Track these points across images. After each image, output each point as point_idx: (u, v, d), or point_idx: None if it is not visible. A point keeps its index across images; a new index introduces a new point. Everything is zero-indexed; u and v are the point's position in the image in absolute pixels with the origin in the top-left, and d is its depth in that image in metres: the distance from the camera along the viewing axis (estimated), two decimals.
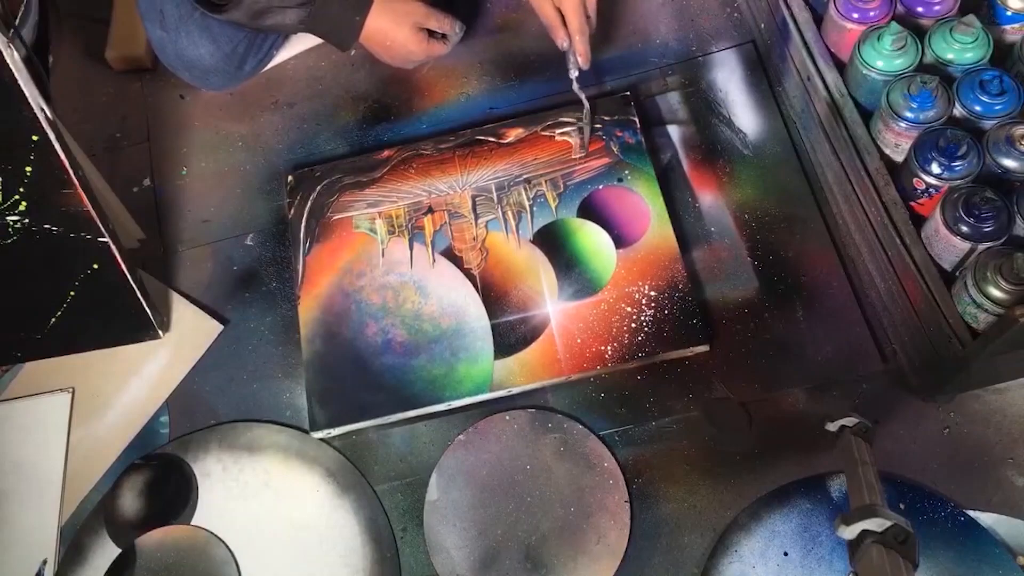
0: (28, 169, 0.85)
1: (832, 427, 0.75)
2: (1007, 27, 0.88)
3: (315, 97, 1.18)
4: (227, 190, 1.14)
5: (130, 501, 0.96)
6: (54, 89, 1.18)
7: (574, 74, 1.00)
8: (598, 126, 1.06)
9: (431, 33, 1.03)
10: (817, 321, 0.95)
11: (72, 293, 0.95)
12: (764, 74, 1.10)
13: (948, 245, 0.79)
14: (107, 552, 0.93)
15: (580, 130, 1.05)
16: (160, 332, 1.02)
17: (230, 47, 1.08)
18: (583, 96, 1.02)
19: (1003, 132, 0.80)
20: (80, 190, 0.87)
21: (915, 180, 0.82)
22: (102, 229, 0.90)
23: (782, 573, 0.84)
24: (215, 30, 1.05)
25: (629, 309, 0.95)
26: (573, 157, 1.05)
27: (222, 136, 1.18)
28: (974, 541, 0.83)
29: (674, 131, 1.08)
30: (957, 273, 0.80)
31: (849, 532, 0.62)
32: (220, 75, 1.12)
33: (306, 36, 1.13)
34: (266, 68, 1.19)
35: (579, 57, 0.99)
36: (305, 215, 1.07)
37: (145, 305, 0.98)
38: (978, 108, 0.83)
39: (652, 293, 0.96)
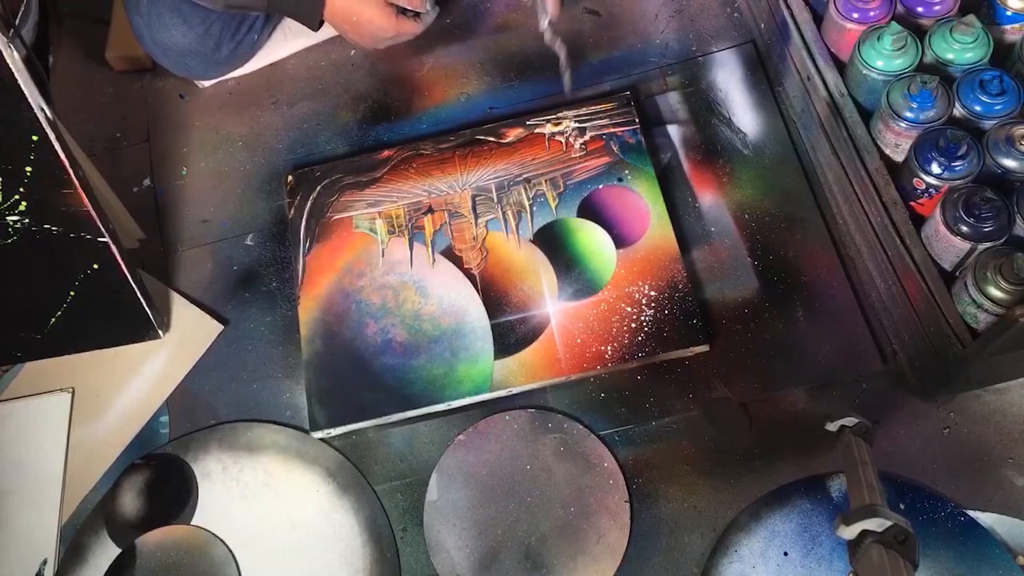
0: (28, 169, 0.85)
1: (832, 427, 0.75)
2: (1007, 27, 0.88)
3: (315, 97, 1.18)
4: (227, 190, 1.14)
5: (130, 501, 0.96)
6: (54, 89, 1.19)
7: (544, 24, 1.00)
8: (601, 126, 1.06)
9: (403, 11, 1.01)
10: (817, 321, 0.95)
11: (72, 293, 0.95)
12: (764, 74, 1.09)
13: (948, 245, 0.79)
14: (107, 552, 0.93)
15: (563, 81, 1.06)
16: (160, 332, 1.02)
17: (203, 28, 1.08)
18: (556, 45, 1.01)
19: (1003, 132, 0.80)
20: (80, 190, 0.87)
21: (915, 180, 0.82)
22: (102, 229, 0.90)
23: (782, 573, 0.84)
24: (186, 11, 1.06)
25: (629, 309, 0.95)
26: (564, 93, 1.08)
27: (222, 136, 1.18)
28: (974, 541, 0.83)
29: (674, 131, 1.08)
30: (957, 273, 0.80)
31: (849, 532, 0.62)
32: (196, 58, 1.12)
33: (306, 33, 1.12)
34: (263, 66, 1.19)
35: (548, 3, 0.98)
36: (305, 215, 1.07)
37: (145, 305, 0.98)
38: (978, 108, 0.83)
39: (652, 293, 0.96)
